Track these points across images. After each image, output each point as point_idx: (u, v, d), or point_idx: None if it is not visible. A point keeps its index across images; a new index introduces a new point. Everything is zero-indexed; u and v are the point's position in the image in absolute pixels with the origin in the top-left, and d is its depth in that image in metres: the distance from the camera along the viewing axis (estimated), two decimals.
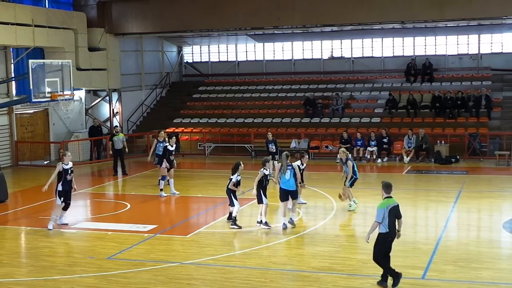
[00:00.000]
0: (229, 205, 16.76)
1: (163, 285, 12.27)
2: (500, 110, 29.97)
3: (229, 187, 16.54)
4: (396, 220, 11.89)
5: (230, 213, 16.72)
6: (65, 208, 16.83)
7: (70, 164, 16.67)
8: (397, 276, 11.78)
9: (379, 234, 11.90)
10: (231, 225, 16.47)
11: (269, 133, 24.83)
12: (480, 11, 27.18)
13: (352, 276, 12.55)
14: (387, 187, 12.04)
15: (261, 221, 16.35)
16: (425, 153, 27.38)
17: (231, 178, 16.50)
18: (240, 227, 16.29)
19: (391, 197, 11.99)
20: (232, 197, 16.55)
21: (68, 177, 16.54)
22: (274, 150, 23.78)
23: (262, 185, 16.37)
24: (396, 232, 11.94)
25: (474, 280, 12.21)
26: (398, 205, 11.94)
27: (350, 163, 18.29)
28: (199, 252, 14.43)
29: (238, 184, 16.60)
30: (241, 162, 16.82)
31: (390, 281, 11.81)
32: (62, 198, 16.54)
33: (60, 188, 16.51)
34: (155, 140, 21.84)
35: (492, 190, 21.25)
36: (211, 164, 27.95)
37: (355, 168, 18.47)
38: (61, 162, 16.68)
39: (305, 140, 29.64)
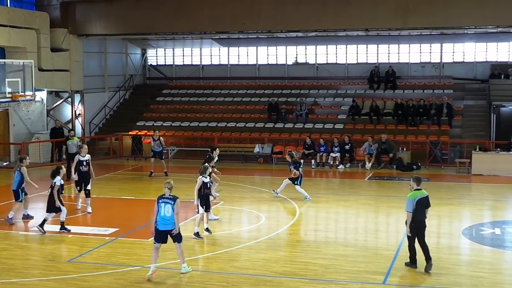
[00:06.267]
0: (46, 211, 16.53)
1: None
2: (461, 118, 30.44)
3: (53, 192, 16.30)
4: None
5: (44, 220, 16.39)
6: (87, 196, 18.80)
7: (87, 157, 18.83)
8: (413, 261, 13.21)
9: None
10: (60, 229, 16.34)
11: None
12: (443, 21, 27.56)
13: (314, 281, 12.59)
14: (417, 180, 13.18)
15: (207, 228, 16.11)
16: (388, 159, 27.59)
17: (55, 182, 16.31)
18: (69, 230, 16.29)
19: (420, 189, 13.13)
20: (59, 202, 16.32)
21: (83, 168, 18.65)
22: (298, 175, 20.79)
23: (201, 194, 15.87)
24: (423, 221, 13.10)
25: (434, 285, 12.37)
26: (427, 196, 13.15)
27: None
28: (161, 256, 14.26)
29: (62, 189, 16.58)
30: (62, 166, 17.09)
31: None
32: (78, 187, 18.81)
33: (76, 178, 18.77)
34: (151, 138, 26.64)
35: (452, 197, 21.54)
36: (174, 168, 27.74)
37: None
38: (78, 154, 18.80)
39: (268, 145, 29.70)
